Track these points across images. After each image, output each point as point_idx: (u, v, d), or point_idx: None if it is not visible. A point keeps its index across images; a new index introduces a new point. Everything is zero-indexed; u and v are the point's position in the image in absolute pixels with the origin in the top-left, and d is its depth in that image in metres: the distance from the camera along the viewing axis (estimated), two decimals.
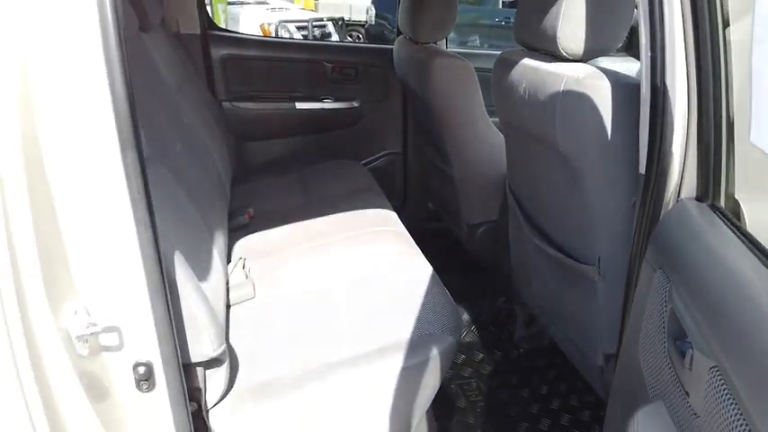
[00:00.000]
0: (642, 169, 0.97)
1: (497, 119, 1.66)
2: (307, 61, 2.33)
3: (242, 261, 1.52)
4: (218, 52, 2.21)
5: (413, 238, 1.66)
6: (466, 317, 1.95)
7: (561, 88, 1.13)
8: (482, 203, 1.93)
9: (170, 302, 0.81)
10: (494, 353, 1.84)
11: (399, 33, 2.30)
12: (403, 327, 1.23)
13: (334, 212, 1.77)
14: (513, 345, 1.84)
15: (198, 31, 2.14)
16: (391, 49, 2.29)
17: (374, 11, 6.94)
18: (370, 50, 2.46)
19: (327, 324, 1.25)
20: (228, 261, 1.57)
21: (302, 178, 2.12)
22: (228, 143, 2.11)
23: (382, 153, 2.50)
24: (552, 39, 1.16)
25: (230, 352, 1.15)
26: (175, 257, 0.92)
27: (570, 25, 1.13)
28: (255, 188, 2.10)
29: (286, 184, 2.10)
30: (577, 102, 1.10)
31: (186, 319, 0.92)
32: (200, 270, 1.15)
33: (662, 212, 0.93)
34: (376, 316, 1.26)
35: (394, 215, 1.78)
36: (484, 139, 1.86)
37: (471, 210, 1.95)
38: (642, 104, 0.97)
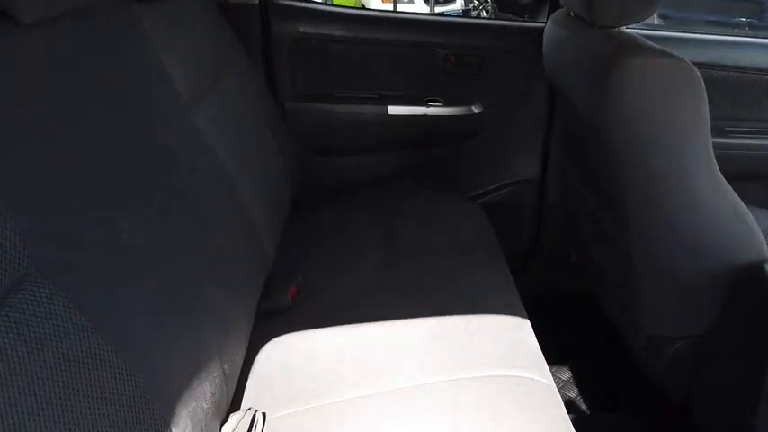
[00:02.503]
0: None
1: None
2: (411, 45, 1.60)
3: (251, 413, 0.86)
4: (283, 29, 1.54)
5: (547, 326, 1.08)
6: None
7: None
8: (682, 308, 1.13)
9: None
10: None
11: (554, 5, 1.49)
12: None
13: (426, 310, 1.06)
14: None
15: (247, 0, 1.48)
16: (539, 30, 1.50)
17: None
18: (507, 30, 1.67)
19: None
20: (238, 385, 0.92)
21: (387, 220, 1.42)
22: (288, 162, 1.45)
23: (508, 181, 1.73)
24: None
25: None
26: None
27: None
28: (320, 230, 1.44)
29: (363, 228, 1.41)
30: None
31: None
32: None
33: None
34: None
35: (527, 328, 1.03)
36: (702, 200, 1.04)
37: (660, 313, 1.15)
38: None
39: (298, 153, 1.59)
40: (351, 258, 1.29)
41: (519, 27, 1.66)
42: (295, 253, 1.34)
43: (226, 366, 0.85)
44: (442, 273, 1.21)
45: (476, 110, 1.64)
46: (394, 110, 1.61)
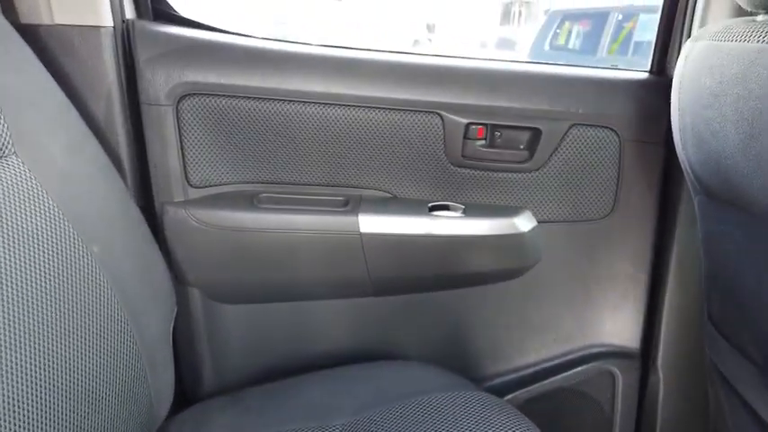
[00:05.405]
0: None
1: None
2: (405, 108, 0.86)
3: None
4: (161, 76, 0.83)
5: None
6: None
7: None
8: None
9: None
10: None
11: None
12: None
13: None
14: None
15: (90, 21, 0.77)
16: (640, 84, 0.75)
17: None
18: (584, 84, 0.91)
19: None
20: None
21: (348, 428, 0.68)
22: (157, 325, 0.72)
23: (582, 353, 0.95)
24: None
25: None
26: None
27: None
28: None
29: None
30: None
31: None
32: None
33: None
34: None
35: None
36: None
37: None
38: None
39: (183, 300, 0.86)
40: None
41: (606, 79, 0.90)
42: None
43: None
44: None
45: (522, 227, 0.88)
46: (370, 224, 0.86)
